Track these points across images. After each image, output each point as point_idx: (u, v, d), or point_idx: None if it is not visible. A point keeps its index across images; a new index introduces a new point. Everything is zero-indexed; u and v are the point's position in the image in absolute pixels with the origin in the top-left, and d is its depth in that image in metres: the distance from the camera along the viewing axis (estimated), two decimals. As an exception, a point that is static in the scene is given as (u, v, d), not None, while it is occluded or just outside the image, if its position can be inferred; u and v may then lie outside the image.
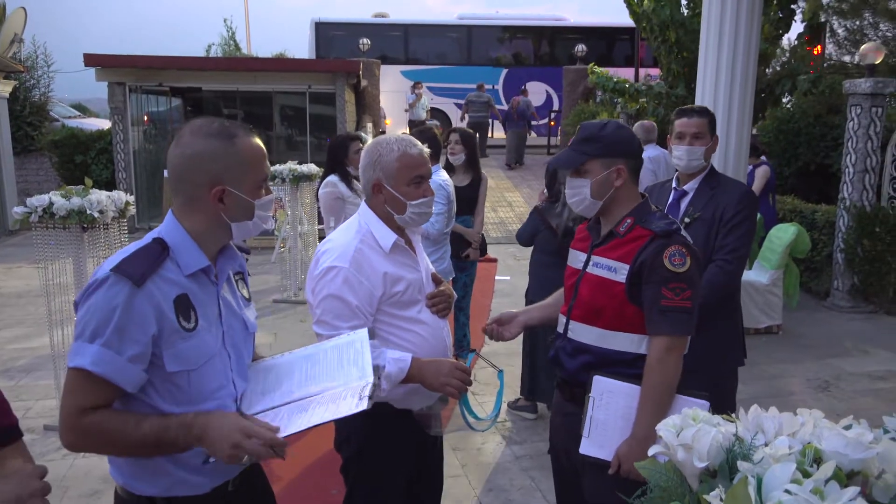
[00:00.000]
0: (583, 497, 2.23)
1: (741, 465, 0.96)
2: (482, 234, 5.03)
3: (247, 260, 1.99)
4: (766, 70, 9.81)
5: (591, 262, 2.15)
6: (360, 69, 12.25)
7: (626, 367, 2.06)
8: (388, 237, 2.13)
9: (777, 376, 5.33)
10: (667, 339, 1.99)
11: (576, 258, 2.25)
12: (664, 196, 3.03)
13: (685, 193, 2.96)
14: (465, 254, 4.82)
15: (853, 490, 0.88)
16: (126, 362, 1.47)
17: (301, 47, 20.27)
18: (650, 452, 1.09)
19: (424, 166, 2.17)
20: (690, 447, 1.03)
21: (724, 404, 2.28)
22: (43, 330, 4.37)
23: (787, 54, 11.21)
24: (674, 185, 3.03)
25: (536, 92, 18.88)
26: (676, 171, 3.02)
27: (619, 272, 2.05)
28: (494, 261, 9.20)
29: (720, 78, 3.38)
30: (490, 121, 17.04)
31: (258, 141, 1.67)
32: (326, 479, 3.56)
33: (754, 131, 9.06)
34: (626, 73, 13.24)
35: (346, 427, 2.21)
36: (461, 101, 19.11)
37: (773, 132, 9.78)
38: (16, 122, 13.04)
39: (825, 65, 11.69)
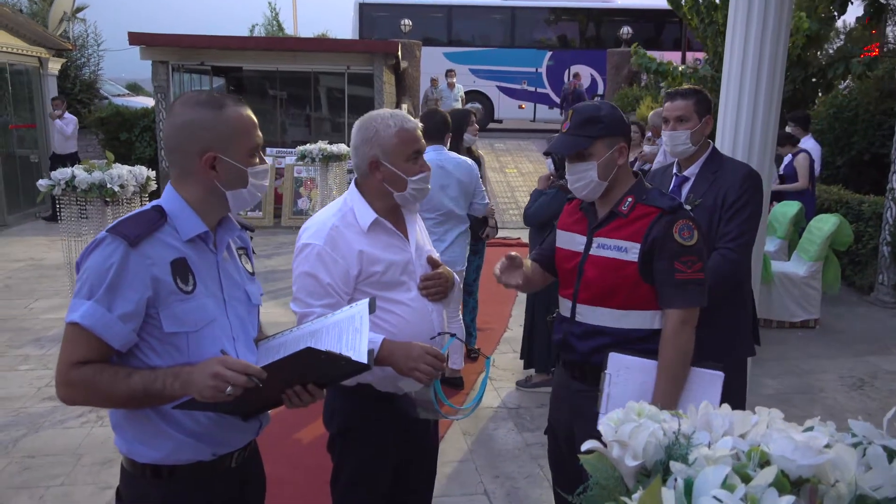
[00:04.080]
0: (579, 475, 2.16)
1: (673, 465, 0.88)
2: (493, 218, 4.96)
3: (251, 238, 1.99)
4: (819, 53, 9.38)
5: (594, 244, 2.13)
6: (398, 50, 12.18)
7: (641, 344, 2.08)
8: (367, 216, 2.07)
9: (809, 372, 5.11)
10: (682, 312, 2.03)
11: (572, 240, 2.21)
12: (666, 182, 2.89)
13: (686, 179, 2.82)
14: (485, 233, 4.75)
15: (788, 499, 0.79)
16: (116, 319, 1.50)
17: (345, 28, 20.29)
18: (584, 447, 1.01)
19: (420, 141, 2.14)
20: (626, 444, 0.95)
21: (731, 397, 2.19)
22: (72, 301, 4.48)
23: (843, 37, 10.69)
24: (675, 170, 2.89)
25: (580, 76, 18.52)
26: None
27: (629, 251, 2.05)
28: (526, 245, 9.07)
29: (747, 58, 3.20)
30: None
31: (248, 111, 1.69)
32: (325, 458, 3.55)
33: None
34: (673, 57, 12.85)
35: (330, 405, 2.20)
36: (504, 84, 18.93)
37: (828, 119, 9.35)
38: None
39: (884, 49, 11.14)
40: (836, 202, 7.56)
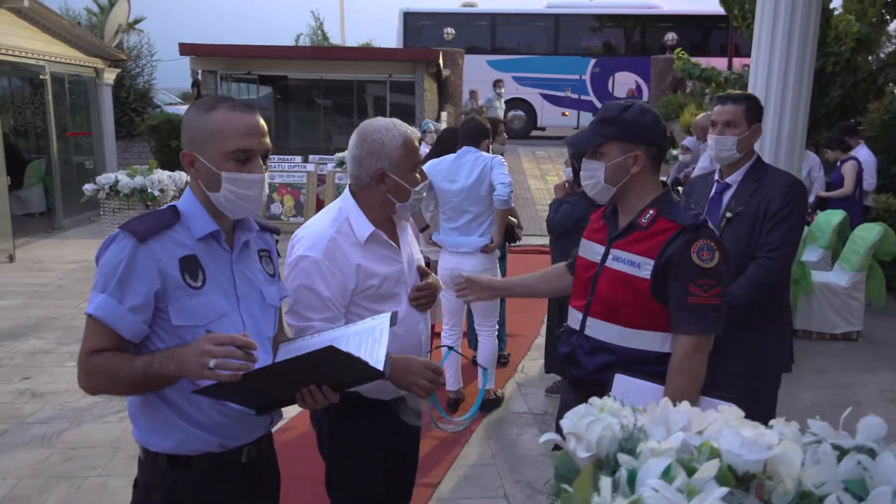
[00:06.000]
0: None
1: (620, 457, 0.91)
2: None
3: (276, 241, 1.99)
4: (870, 58, 9.12)
5: (609, 256, 2.03)
6: (439, 58, 12.31)
7: (648, 366, 1.95)
8: (365, 228, 2.04)
9: (848, 385, 4.97)
10: (693, 339, 1.89)
11: (591, 250, 2.12)
12: (706, 189, 2.83)
13: (728, 186, 2.75)
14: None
15: (722, 490, 0.81)
16: (126, 311, 1.57)
17: (391, 37, 20.58)
18: (542, 440, 1.05)
19: (419, 151, 2.15)
20: (581, 436, 0.98)
21: (760, 409, 2.12)
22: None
23: (895, 41, 10.36)
24: (716, 177, 2.83)
25: (625, 83, 18.38)
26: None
27: (642, 267, 1.94)
28: (548, 252, 9.03)
29: (774, 61, 3.17)
30: None
31: (241, 115, 1.65)
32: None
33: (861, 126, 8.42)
34: (720, 63, 12.67)
35: (317, 412, 2.16)
36: (547, 91, 18.93)
37: (880, 126, 9.06)
38: (121, 108, 13.96)
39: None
40: (885, 211, 7.32)
